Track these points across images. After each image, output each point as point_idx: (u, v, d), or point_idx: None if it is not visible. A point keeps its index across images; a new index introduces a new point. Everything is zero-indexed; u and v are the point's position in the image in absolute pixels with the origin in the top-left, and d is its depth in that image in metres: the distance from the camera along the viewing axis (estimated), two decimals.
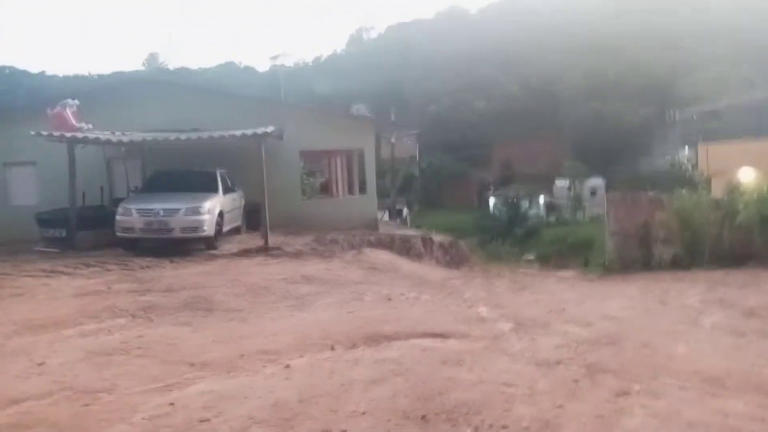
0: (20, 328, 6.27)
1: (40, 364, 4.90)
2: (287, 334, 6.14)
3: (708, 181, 22.70)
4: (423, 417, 3.81)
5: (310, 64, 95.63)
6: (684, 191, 15.69)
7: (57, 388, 4.28)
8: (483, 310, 7.78)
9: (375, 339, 5.97)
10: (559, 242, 37.72)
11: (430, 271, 12.69)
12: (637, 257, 15.10)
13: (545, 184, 47.70)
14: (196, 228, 11.90)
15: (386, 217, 26.29)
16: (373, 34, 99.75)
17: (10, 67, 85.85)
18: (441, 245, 16.41)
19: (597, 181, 45.37)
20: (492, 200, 47.77)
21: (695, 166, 25.01)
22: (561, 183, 48.09)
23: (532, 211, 45.18)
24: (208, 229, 12.06)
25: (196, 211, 11.88)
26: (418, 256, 14.40)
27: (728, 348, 5.52)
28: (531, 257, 33.07)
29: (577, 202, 44.61)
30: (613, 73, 55.28)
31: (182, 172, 13.36)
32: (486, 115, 58.52)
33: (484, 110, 59.30)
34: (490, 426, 3.71)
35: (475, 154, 54.94)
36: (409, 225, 28.53)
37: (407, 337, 6.09)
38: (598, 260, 21.69)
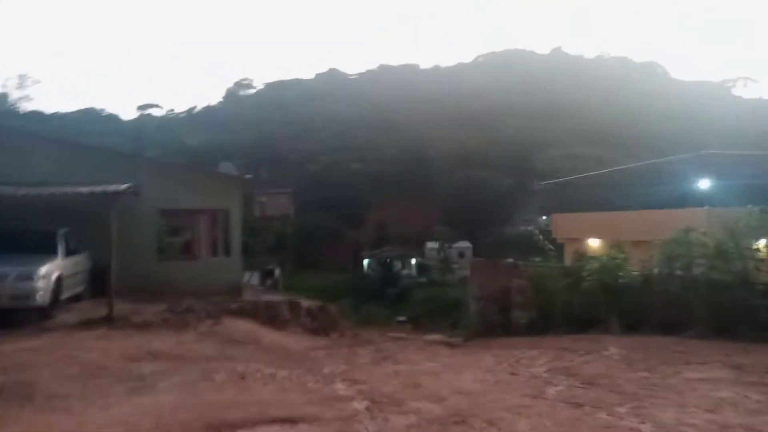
0: None
1: None
2: (115, 426, 5.44)
3: (560, 248, 24.65)
4: None
5: (182, 115, 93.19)
6: (537, 258, 16.76)
7: None
8: (340, 387, 7.49)
9: (217, 428, 5.47)
10: (429, 303, 38.75)
11: (294, 341, 12.19)
12: (498, 322, 15.73)
13: (417, 246, 49.26)
14: (28, 297, 10.58)
15: (255, 279, 25.44)
16: (251, 90, 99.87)
17: None
18: (309, 311, 15.94)
19: (465, 244, 47.71)
20: (366, 261, 48.31)
21: (549, 233, 27.15)
22: (431, 245, 49.95)
23: (405, 272, 46.29)
24: (42, 298, 10.76)
25: (29, 277, 10.60)
26: (283, 324, 13.82)
27: (566, 421, 5.72)
28: (403, 319, 33.52)
29: (447, 264, 46.44)
30: (480, 144, 59.84)
31: (15, 231, 11.90)
32: (362, 176, 60.03)
33: (360, 171, 60.85)
34: None
35: (351, 215, 55.77)
36: (280, 287, 27.80)
37: (254, 424, 5.65)
38: (464, 323, 22.41)
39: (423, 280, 45.93)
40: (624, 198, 24.31)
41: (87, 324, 10.95)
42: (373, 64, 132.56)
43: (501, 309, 15.98)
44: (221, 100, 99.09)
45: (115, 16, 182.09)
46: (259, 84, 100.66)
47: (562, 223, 28.22)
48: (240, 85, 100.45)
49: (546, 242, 19.90)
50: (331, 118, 72.03)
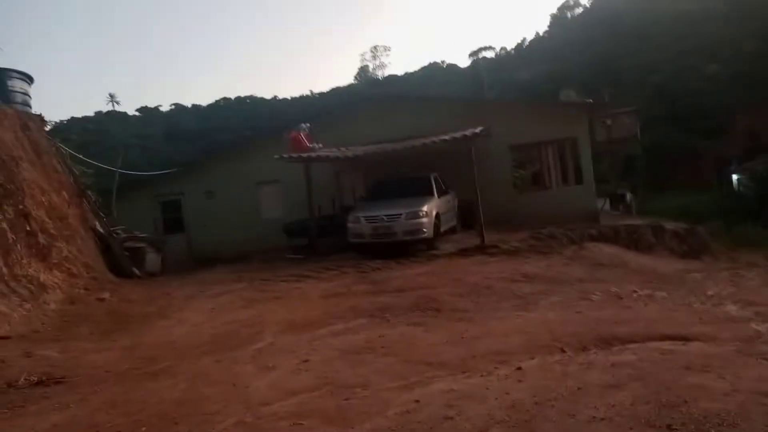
0: (284, 328, 7.40)
1: (305, 361, 5.76)
2: (515, 335, 6.26)
3: None
4: (668, 426, 3.61)
5: (513, 52, 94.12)
6: None
7: (322, 383, 5.01)
8: (732, 308, 6.98)
9: (607, 341, 5.78)
10: None
11: (663, 264, 11.67)
12: None
13: None
14: (417, 231, 12.64)
15: (607, 205, 24.74)
16: (578, 10, 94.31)
17: (250, 97, 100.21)
18: (675, 233, 14.95)
19: None
20: (735, 177, 41.67)
21: None
22: None
23: None
24: (428, 231, 12.73)
25: (416, 215, 12.64)
26: (648, 248, 13.34)
27: None
28: None
29: None
30: None
31: (399, 179, 14.28)
32: (719, 79, 51.32)
33: (716, 74, 52.08)
34: None
35: (710, 126, 48.43)
36: (634, 212, 26.45)
37: (643, 340, 5.77)
38: None
39: None
40: None
41: (464, 252, 12.53)
42: None
43: None
44: (547, 28, 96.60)
45: None
46: (585, 1, 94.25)
47: None
48: (565, 7, 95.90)
49: None
50: (672, 19, 63.07)
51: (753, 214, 32.65)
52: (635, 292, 8.28)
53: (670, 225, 15.34)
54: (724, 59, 53.36)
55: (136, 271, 13.09)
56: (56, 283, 9.41)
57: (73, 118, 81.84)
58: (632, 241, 13.20)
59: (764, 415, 3.70)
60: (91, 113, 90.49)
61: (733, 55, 53.31)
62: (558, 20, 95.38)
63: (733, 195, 38.53)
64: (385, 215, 12.80)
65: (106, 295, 10.03)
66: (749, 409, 3.80)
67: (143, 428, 4.41)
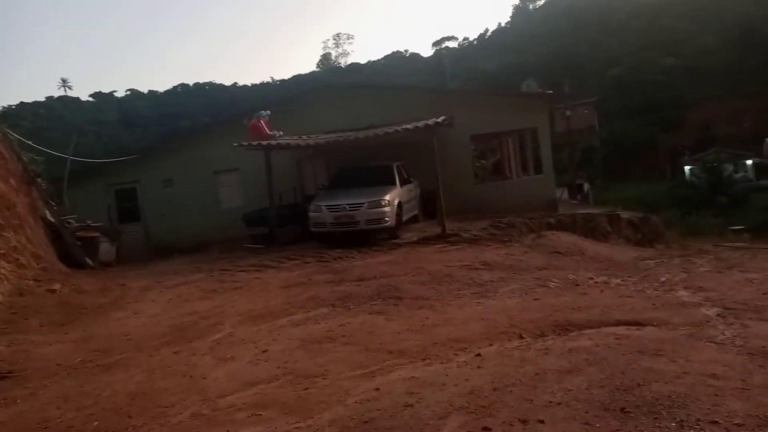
0: (244, 319, 7.29)
1: (264, 351, 5.68)
2: (475, 322, 6.31)
3: None
4: (622, 409, 3.69)
5: (475, 42, 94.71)
6: None
7: (281, 372, 4.95)
8: (683, 294, 7.20)
9: (564, 327, 5.89)
10: None
11: (619, 251, 11.96)
12: None
13: (753, 144, 41.80)
14: (379, 219, 12.61)
15: (565, 194, 25.24)
16: (540, 2, 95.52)
17: (209, 83, 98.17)
18: (630, 222, 15.37)
19: None
20: (688, 167, 43.15)
21: None
22: None
23: (739, 175, 40.01)
24: (390, 220, 12.70)
25: (378, 204, 12.59)
26: (604, 236, 13.65)
27: None
28: (739, 228, 29.40)
29: None
30: None
31: (362, 168, 14.20)
32: (676, 73, 52.87)
33: (673, 68, 53.63)
34: (698, 421, 3.46)
35: (665, 118, 49.91)
36: (591, 201, 27.10)
37: (599, 325, 5.90)
38: None
39: (763, 182, 39.08)
40: None
41: (426, 240, 12.56)
42: None
43: None
44: (509, 19, 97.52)
45: None
46: None
47: None
48: None
49: None
50: (632, 13, 64.57)
51: (704, 203, 33.97)
52: (591, 279, 8.46)
53: (625, 214, 15.76)
54: (680, 53, 54.99)
55: (89, 262, 12.66)
56: (3, 274, 9.02)
57: (22, 103, 78.77)
58: (589, 229, 13.50)
59: (712, 396, 3.83)
60: (42, 98, 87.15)
61: (690, 50, 54.99)
62: (520, 11, 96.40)
63: (685, 185, 39.95)
64: (347, 204, 12.71)
65: (57, 286, 9.67)
66: (698, 390, 3.93)
67: (96, 422, 4.28)
